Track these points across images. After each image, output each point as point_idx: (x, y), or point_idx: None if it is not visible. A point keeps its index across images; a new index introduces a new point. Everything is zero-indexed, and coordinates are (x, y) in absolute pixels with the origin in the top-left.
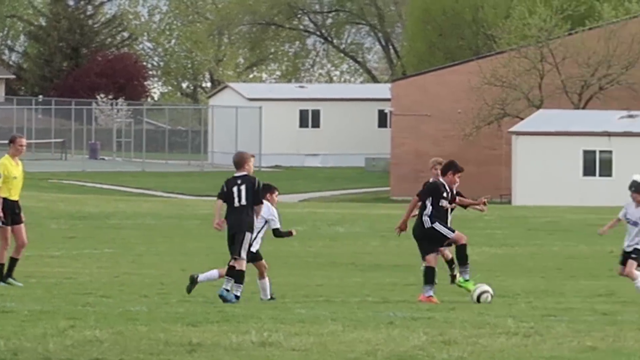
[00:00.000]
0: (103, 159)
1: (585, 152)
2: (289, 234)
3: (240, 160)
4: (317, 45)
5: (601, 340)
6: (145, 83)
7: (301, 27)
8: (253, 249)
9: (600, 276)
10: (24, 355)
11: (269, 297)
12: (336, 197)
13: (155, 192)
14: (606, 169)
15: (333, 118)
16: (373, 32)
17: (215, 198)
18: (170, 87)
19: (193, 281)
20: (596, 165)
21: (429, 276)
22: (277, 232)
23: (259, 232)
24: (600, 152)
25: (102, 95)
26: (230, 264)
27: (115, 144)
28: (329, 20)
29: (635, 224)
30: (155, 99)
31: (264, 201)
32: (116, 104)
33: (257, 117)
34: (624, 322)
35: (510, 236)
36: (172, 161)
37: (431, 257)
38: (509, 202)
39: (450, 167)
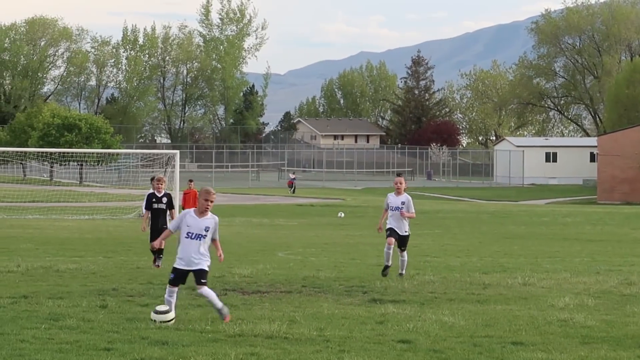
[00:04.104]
0: (434, 179)
1: None
2: None
3: None
4: (555, 116)
5: None
6: (458, 137)
7: (546, 105)
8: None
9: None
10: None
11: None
12: (565, 202)
13: (463, 198)
14: None
15: (564, 157)
16: (587, 108)
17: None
18: (471, 139)
19: None
20: None
21: None
22: None
23: None
24: None
25: (434, 144)
26: None
27: (441, 171)
28: (562, 101)
29: None
30: (463, 145)
31: None
32: (442, 149)
33: (521, 156)
34: None
35: None
36: (473, 181)
37: None
38: None
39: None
